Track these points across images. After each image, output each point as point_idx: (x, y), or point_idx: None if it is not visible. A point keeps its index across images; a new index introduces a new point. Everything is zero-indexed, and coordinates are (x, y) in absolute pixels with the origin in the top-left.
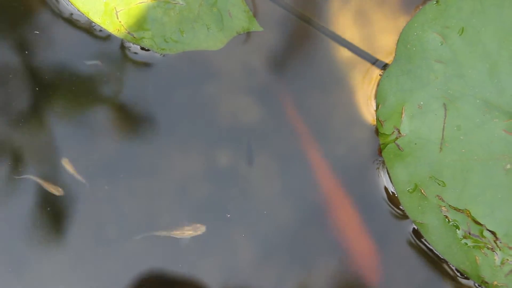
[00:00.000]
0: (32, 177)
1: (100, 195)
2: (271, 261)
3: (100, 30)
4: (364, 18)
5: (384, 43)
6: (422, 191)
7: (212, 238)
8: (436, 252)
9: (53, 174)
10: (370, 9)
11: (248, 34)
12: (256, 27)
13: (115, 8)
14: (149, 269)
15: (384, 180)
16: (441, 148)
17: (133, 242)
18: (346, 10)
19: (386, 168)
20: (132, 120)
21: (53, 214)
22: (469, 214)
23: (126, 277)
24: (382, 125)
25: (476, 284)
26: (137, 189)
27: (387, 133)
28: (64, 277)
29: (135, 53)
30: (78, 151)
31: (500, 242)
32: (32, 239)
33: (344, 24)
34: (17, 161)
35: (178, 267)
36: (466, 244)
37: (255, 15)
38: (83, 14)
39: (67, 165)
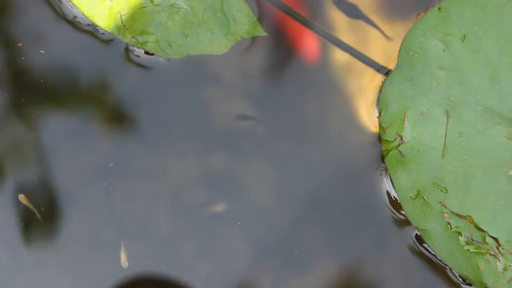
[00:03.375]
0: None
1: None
2: None
3: (103, 33)
4: (364, 26)
5: (386, 50)
6: (425, 198)
7: None
8: (439, 258)
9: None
10: (370, 16)
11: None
12: (260, 32)
13: (119, 12)
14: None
15: (387, 185)
16: (443, 155)
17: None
18: (347, 18)
19: (389, 174)
20: (132, 123)
21: None
22: (471, 221)
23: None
24: (384, 131)
25: None
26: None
27: (389, 139)
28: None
29: (138, 56)
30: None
31: (503, 248)
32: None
33: (344, 31)
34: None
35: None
36: (469, 250)
37: (259, 20)
38: (88, 17)
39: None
